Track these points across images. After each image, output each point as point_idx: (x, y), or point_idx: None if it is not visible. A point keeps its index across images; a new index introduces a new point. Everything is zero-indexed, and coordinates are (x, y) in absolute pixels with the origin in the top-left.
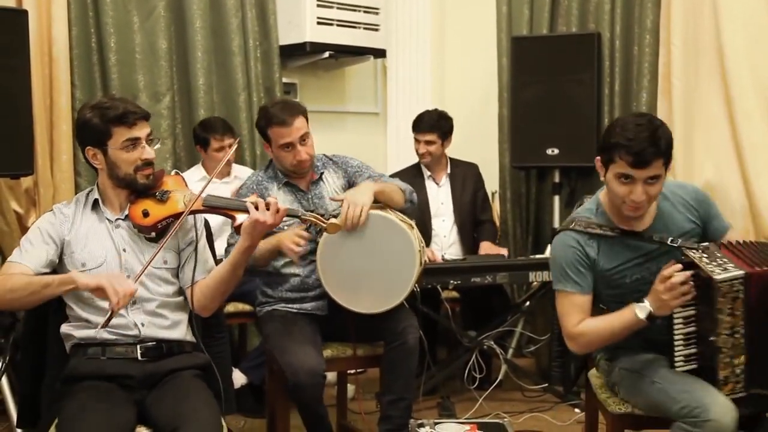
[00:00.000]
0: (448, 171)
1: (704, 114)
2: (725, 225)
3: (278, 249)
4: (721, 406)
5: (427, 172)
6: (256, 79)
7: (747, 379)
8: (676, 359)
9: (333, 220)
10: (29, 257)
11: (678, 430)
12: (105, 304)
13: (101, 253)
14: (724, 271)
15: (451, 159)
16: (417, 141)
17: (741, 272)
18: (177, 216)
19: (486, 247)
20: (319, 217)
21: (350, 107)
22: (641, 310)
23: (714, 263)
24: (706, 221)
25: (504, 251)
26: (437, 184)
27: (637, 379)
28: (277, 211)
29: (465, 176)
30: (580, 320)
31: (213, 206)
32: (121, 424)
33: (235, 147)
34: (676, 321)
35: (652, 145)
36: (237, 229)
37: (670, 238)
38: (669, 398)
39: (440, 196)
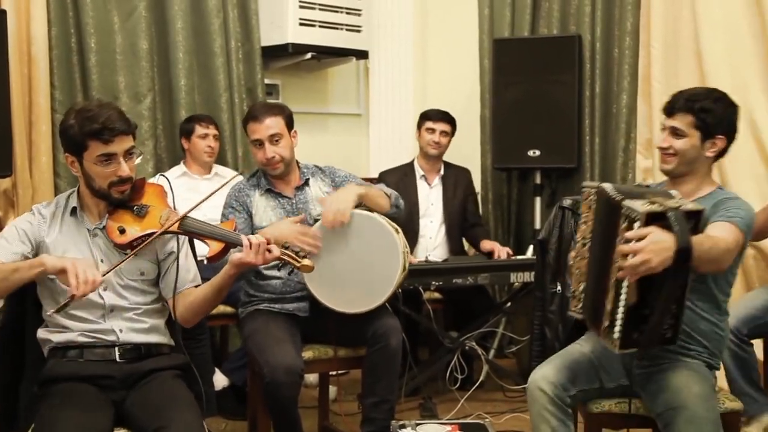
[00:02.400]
0: (442, 173)
1: None
2: (716, 218)
3: None
4: (534, 373)
5: (420, 172)
6: (238, 80)
7: (584, 303)
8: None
9: (306, 261)
10: (3, 252)
11: None
12: (83, 314)
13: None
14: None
15: (444, 162)
16: (430, 131)
17: (596, 184)
18: (151, 235)
19: (487, 245)
20: (293, 256)
21: (333, 108)
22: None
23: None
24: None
25: (508, 250)
26: (429, 184)
27: None
28: (268, 251)
29: (457, 180)
30: None
31: (189, 231)
32: (98, 425)
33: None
34: None
35: (682, 98)
36: (210, 260)
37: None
38: None
39: (431, 197)
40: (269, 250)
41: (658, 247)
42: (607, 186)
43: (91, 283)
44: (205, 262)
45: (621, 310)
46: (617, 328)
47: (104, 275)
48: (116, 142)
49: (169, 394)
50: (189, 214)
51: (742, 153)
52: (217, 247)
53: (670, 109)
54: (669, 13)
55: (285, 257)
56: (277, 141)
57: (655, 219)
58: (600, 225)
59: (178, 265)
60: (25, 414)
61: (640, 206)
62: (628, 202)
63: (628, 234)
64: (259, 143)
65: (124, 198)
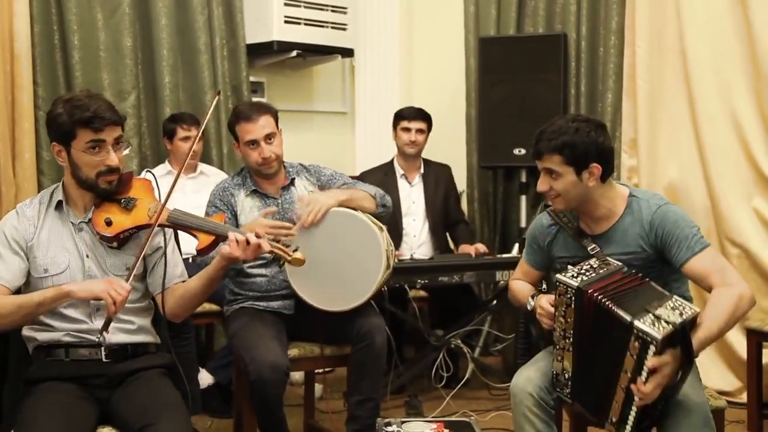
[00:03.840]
0: (422, 171)
1: (668, 115)
2: (684, 256)
3: None
4: (519, 375)
5: (400, 171)
6: (223, 78)
7: (572, 389)
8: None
9: (297, 254)
10: (3, 273)
11: None
12: (70, 312)
13: (64, 259)
14: (571, 277)
15: (424, 159)
16: (406, 130)
17: (574, 283)
18: (140, 227)
19: (465, 249)
20: (284, 249)
21: (318, 106)
22: (529, 303)
23: (580, 270)
24: (660, 248)
25: (483, 248)
26: (410, 183)
27: None
28: (258, 247)
29: (438, 177)
30: (517, 278)
31: (178, 223)
32: (81, 424)
33: (203, 123)
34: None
35: (549, 140)
36: (200, 252)
37: (595, 251)
38: None
39: (412, 195)
40: (259, 245)
41: (670, 372)
42: (591, 289)
43: (124, 299)
44: (195, 255)
45: (633, 411)
46: (629, 425)
47: (128, 280)
48: (106, 131)
49: (156, 393)
50: (177, 206)
51: (727, 154)
52: (206, 239)
53: (536, 152)
54: (654, 13)
55: (276, 250)
56: (271, 140)
57: (666, 338)
58: (593, 329)
59: (165, 259)
60: (9, 413)
61: (652, 329)
62: (639, 325)
63: (649, 364)
64: (254, 144)
65: (111, 189)
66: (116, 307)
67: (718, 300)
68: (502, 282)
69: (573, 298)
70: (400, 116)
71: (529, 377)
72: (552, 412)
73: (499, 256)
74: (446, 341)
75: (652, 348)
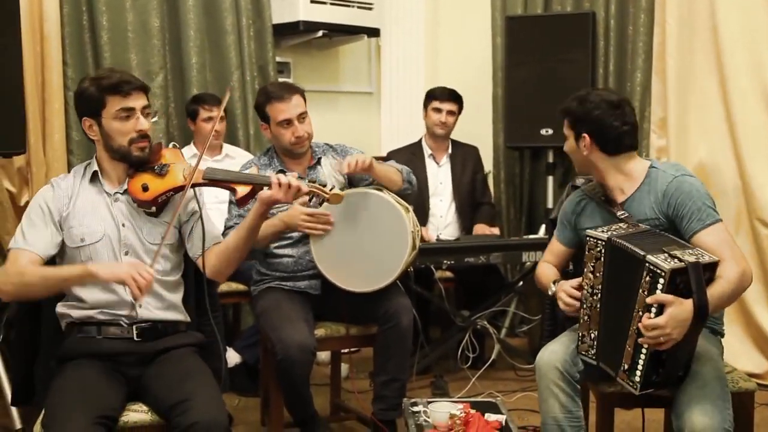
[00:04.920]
0: (449, 151)
1: (698, 94)
2: (693, 227)
3: (282, 231)
4: (545, 348)
5: (428, 151)
6: (250, 58)
7: (597, 349)
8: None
9: (336, 190)
10: (34, 241)
11: None
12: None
13: (100, 228)
14: (601, 232)
15: (452, 140)
16: (437, 110)
17: (605, 236)
18: (176, 189)
19: (479, 229)
20: (321, 188)
21: (344, 87)
22: (550, 289)
23: (609, 228)
24: (672, 218)
25: (495, 230)
26: (437, 163)
27: None
28: (298, 190)
29: (465, 158)
30: (546, 260)
31: (214, 179)
32: (111, 401)
33: (219, 112)
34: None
35: (563, 105)
36: (239, 201)
37: (624, 216)
38: None
39: (440, 175)
40: (299, 188)
41: (678, 322)
42: (616, 237)
43: (149, 285)
44: (234, 202)
45: (643, 356)
46: (638, 372)
47: (152, 265)
48: (134, 96)
49: (188, 369)
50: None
51: (759, 132)
52: (244, 189)
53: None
54: None
55: (314, 189)
56: (303, 118)
57: (677, 274)
58: (615, 276)
59: (203, 221)
60: (41, 389)
61: (664, 262)
62: (651, 258)
63: (650, 300)
64: (288, 123)
65: (143, 156)
66: (141, 292)
67: (724, 272)
68: (528, 263)
69: (602, 250)
70: (432, 96)
71: (554, 350)
72: (577, 387)
73: (525, 237)
74: (472, 322)
75: (661, 281)
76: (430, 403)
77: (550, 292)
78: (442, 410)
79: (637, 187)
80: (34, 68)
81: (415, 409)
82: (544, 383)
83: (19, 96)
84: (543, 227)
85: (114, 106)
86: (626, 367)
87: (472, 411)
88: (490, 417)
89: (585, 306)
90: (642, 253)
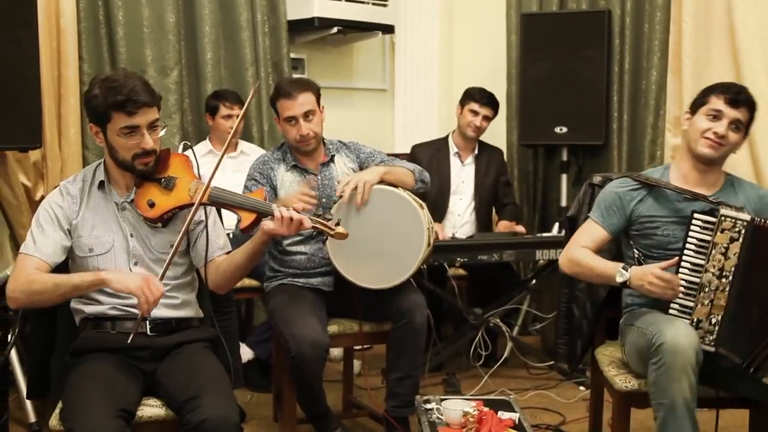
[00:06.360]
0: (476, 152)
1: None
2: None
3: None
4: (676, 329)
5: (454, 149)
6: (264, 54)
7: (719, 334)
8: (672, 306)
9: (339, 228)
10: (43, 248)
11: (650, 366)
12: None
13: (108, 239)
14: (736, 211)
15: (480, 141)
16: (474, 113)
17: (748, 216)
18: (182, 207)
19: (502, 226)
20: (326, 224)
21: (358, 83)
22: (620, 275)
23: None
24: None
25: (521, 228)
26: (462, 162)
27: (628, 332)
28: (300, 224)
29: (490, 159)
30: (584, 245)
31: (219, 202)
32: (126, 395)
33: (242, 113)
34: (682, 268)
35: (746, 92)
36: (243, 230)
37: (718, 200)
38: (642, 337)
39: (463, 174)
40: (301, 222)
41: None
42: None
43: (157, 300)
44: (236, 231)
45: None
46: None
47: (162, 279)
48: (140, 114)
49: (200, 366)
50: (218, 185)
51: None
52: (248, 218)
53: (735, 100)
54: None
55: (318, 225)
56: (310, 118)
57: None
58: (762, 258)
59: (207, 233)
60: (56, 383)
61: None
62: None
63: None
64: (293, 120)
65: (148, 170)
66: (149, 307)
67: None
68: (541, 261)
69: (743, 231)
70: (470, 97)
71: (688, 334)
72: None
73: (539, 235)
74: (485, 320)
75: None
76: (443, 400)
77: (619, 279)
78: (455, 408)
79: (724, 182)
80: (50, 63)
81: (428, 406)
82: (680, 363)
83: (36, 91)
84: (557, 225)
85: (119, 123)
86: None
87: (486, 409)
88: (504, 415)
89: (707, 290)
90: None
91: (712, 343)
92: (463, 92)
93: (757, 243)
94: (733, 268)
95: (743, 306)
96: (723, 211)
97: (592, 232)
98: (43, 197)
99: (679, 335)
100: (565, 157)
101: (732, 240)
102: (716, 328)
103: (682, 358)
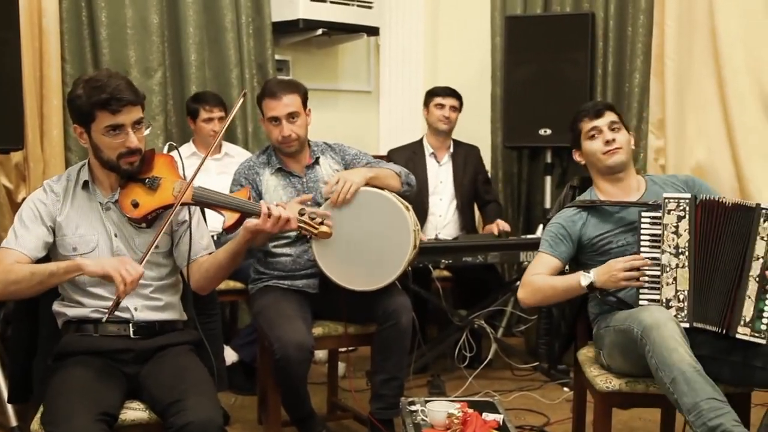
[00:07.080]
0: (451, 150)
1: (697, 95)
2: None
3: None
4: (650, 311)
5: (429, 150)
6: (249, 56)
7: (690, 309)
8: (640, 301)
9: (323, 228)
10: (24, 242)
11: (646, 355)
12: (99, 291)
13: (93, 238)
14: (676, 193)
15: (453, 140)
16: (440, 106)
17: (689, 195)
18: (166, 207)
19: (488, 230)
20: (310, 223)
21: (343, 85)
22: (585, 278)
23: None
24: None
25: (506, 226)
26: (438, 162)
27: (605, 335)
28: (287, 222)
29: (467, 157)
30: (539, 273)
31: (203, 201)
32: (109, 399)
33: (228, 120)
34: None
35: (598, 101)
36: (227, 230)
37: (655, 202)
38: (620, 334)
39: (440, 174)
40: (288, 219)
41: None
42: (705, 196)
43: (135, 281)
44: (221, 232)
45: None
46: (766, 320)
47: (142, 262)
48: (124, 112)
49: (184, 369)
50: (202, 185)
51: (757, 134)
52: (232, 217)
53: (597, 111)
54: None
55: (301, 225)
56: (294, 119)
57: None
58: (712, 230)
59: (191, 233)
60: (39, 386)
61: None
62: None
63: None
64: (276, 121)
65: (133, 170)
66: (126, 288)
67: None
68: (526, 263)
69: (686, 208)
70: (433, 93)
71: (662, 310)
72: None
73: (523, 236)
74: (469, 321)
75: None
76: (427, 402)
77: (584, 282)
78: (440, 409)
79: (645, 186)
80: (32, 64)
81: (413, 408)
82: (668, 333)
83: (18, 92)
84: (540, 227)
85: (103, 122)
86: (747, 319)
87: (470, 410)
88: (488, 416)
89: (668, 269)
90: (753, 203)
91: (686, 319)
92: (425, 94)
93: (703, 216)
94: (687, 243)
95: (705, 276)
96: (665, 194)
97: (544, 262)
98: (24, 199)
99: (654, 313)
100: (549, 159)
101: (679, 218)
102: (685, 303)
103: (666, 330)
